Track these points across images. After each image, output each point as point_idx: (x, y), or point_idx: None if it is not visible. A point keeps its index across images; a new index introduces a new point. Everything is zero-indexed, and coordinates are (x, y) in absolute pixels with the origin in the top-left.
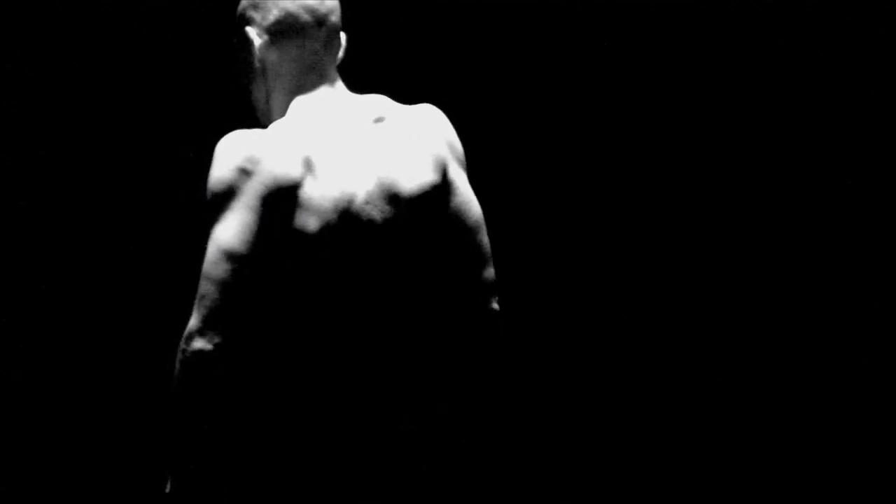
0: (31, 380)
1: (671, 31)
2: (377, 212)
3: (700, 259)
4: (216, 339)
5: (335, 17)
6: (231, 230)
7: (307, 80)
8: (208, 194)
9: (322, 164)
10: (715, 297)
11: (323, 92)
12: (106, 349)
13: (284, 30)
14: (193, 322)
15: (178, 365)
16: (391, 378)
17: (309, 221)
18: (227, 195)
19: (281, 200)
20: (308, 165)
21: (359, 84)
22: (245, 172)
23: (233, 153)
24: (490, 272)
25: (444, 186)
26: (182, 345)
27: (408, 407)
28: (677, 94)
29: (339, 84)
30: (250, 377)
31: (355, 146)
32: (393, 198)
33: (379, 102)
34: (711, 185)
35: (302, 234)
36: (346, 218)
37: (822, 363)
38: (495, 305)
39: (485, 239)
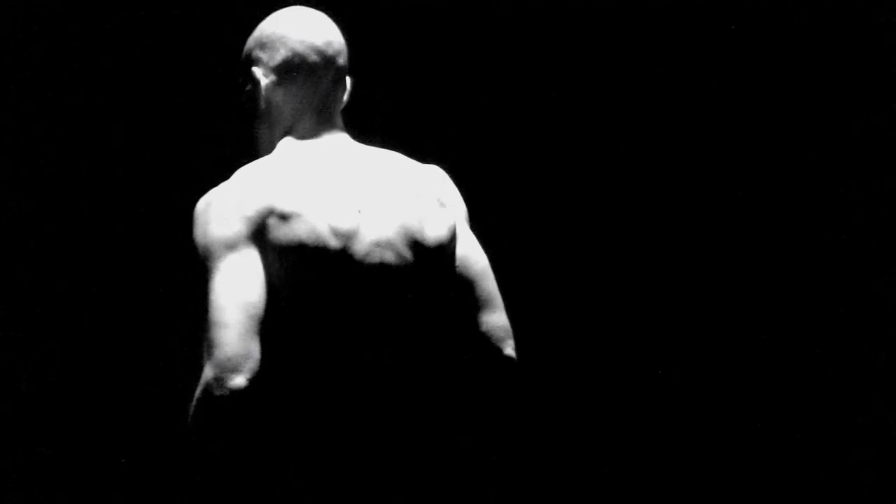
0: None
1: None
2: (391, 255)
3: (703, 284)
4: (234, 385)
5: (342, 60)
6: (229, 277)
7: (309, 121)
8: (197, 256)
9: (311, 195)
10: (721, 319)
11: (323, 133)
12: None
13: (291, 70)
14: (208, 371)
15: (196, 414)
16: (403, 422)
17: (301, 250)
18: (216, 247)
19: (266, 229)
20: (295, 195)
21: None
22: (224, 220)
23: (209, 208)
24: (503, 318)
25: (453, 239)
26: (199, 394)
27: (420, 453)
28: (673, 112)
29: (342, 128)
30: (266, 419)
31: (360, 186)
32: (414, 245)
33: (390, 153)
34: (711, 209)
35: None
36: (349, 255)
37: (822, 363)
38: (510, 351)
39: (494, 286)
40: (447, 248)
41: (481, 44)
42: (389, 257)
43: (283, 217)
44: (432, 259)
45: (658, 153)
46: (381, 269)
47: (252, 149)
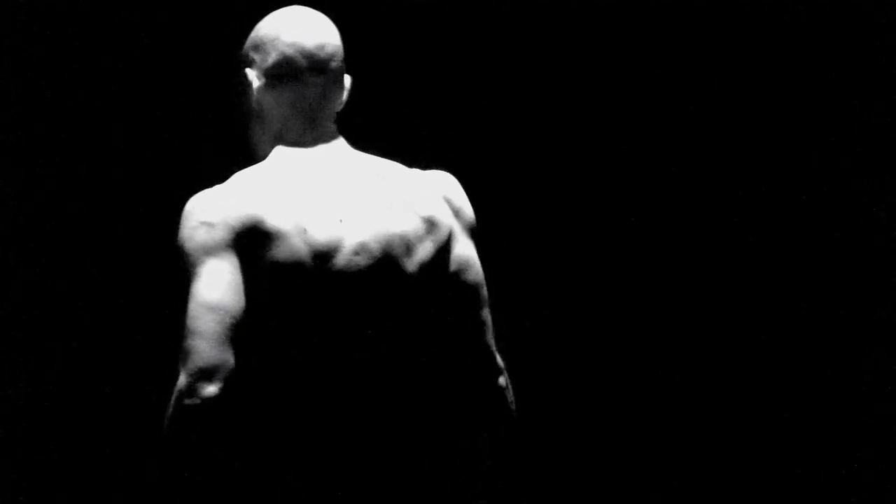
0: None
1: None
2: (368, 263)
3: (704, 284)
4: (206, 394)
5: (336, 63)
6: (207, 284)
7: (298, 126)
8: (180, 256)
9: (296, 204)
10: (722, 319)
11: (311, 138)
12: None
13: (281, 74)
14: (182, 379)
15: (170, 421)
16: (386, 433)
17: (284, 261)
18: (198, 252)
19: (250, 242)
20: (277, 203)
21: (362, 129)
22: (210, 225)
23: (196, 210)
24: (489, 341)
25: (442, 258)
26: (172, 402)
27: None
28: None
29: (334, 132)
30: (243, 427)
31: (344, 194)
32: (393, 264)
33: (384, 163)
34: (711, 210)
35: (278, 276)
36: (329, 264)
37: (822, 364)
38: (500, 378)
39: (484, 310)
40: (431, 267)
41: (481, 44)
42: (367, 265)
43: (266, 235)
44: (413, 278)
45: (658, 153)
46: (360, 278)
47: (248, 149)
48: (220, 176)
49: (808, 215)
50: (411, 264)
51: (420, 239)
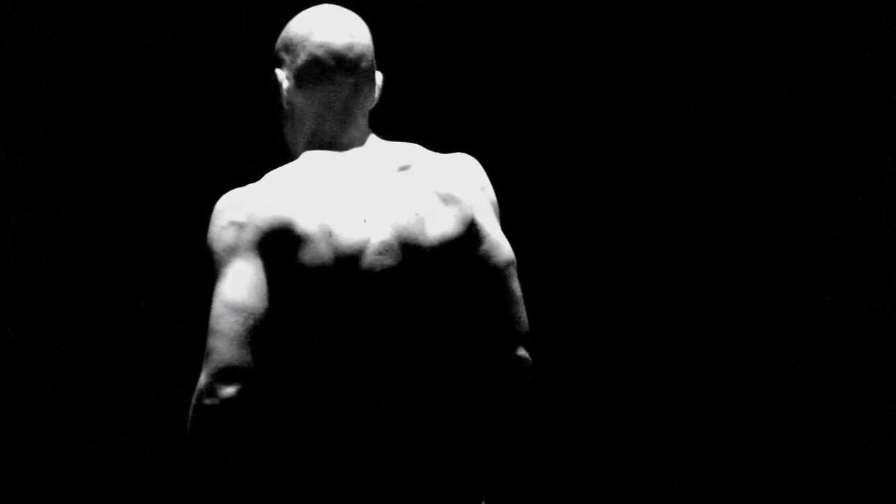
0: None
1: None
2: (392, 261)
3: (706, 285)
4: (225, 395)
5: (366, 63)
6: (231, 284)
7: (330, 126)
8: (208, 254)
9: (322, 206)
10: (723, 319)
11: (345, 139)
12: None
13: (311, 75)
14: (203, 379)
15: (190, 421)
16: (410, 429)
17: (309, 264)
18: (225, 252)
19: (277, 245)
20: (305, 206)
21: (391, 123)
22: (238, 226)
23: (226, 210)
24: (520, 318)
25: (468, 234)
26: (193, 401)
27: (428, 462)
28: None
29: (366, 130)
30: (266, 427)
31: (369, 193)
32: (411, 247)
33: (408, 151)
34: (711, 210)
35: (304, 279)
36: (355, 265)
37: (821, 364)
38: (523, 353)
39: (514, 285)
40: (456, 245)
41: (502, 41)
42: (390, 263)
43: (294, 238)
44: (436, 257)
45: (661, 154)
46: (384, 276)
47: (285, 147)
48: (226, 177)
49: (808, 215)
50: (428, 239)
51: (437, 213)
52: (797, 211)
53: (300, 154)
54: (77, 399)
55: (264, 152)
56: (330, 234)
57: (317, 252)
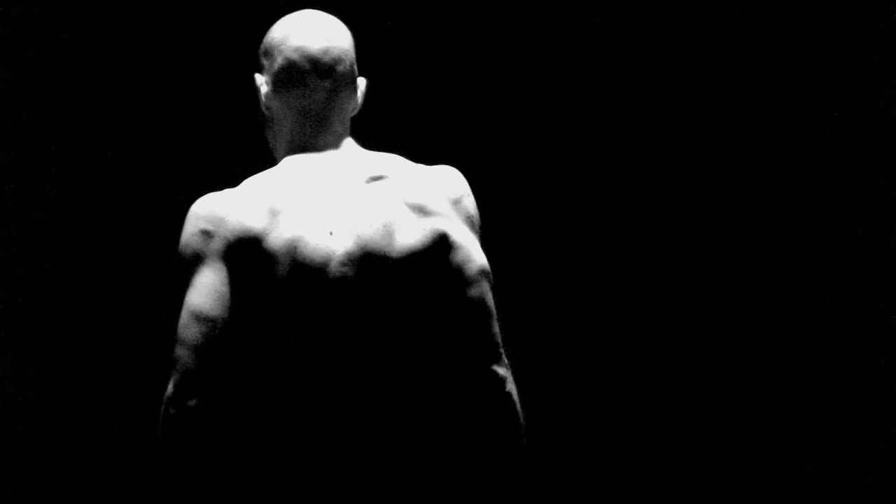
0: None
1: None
2: (356, 272)
3: (705, 285)
4: (191, 403)
5: (343, 67)
6: (199, 293)
7: (306, 132)
8: (177, 260)
9: (290, 218)
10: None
11: (320, 143)
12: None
13: (286, 79)
14: (169, 388)
15: (159, 428)
16: (378, 439)
17: (275, 277)
18: (193, 259)
19: (244, 255)
20: (273, 218)
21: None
22: (207, 234)
23: (196, 217)
24: (491, 331)
25: (438, 247)
26: (161, 409)
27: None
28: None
29: (344, 136)
30: (233, 436)
31: (337, 203)
32: (377, 258)
33: (384, 161)
34: (712, 211)
35: (270, 290)
36: (320, 277)
37: (822, 364)
38: (494, 367)
39: (487, 297)
40: (424, 257)
41: (490, 46)
42: (354, 274)
43: (260, 250)
44: (403, 269)
45: (658, 154)
46: (348, 288)
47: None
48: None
49: (809, 215)
50: (395, 250)
51: (406, 224)
52: (797, 211)
53: (281, 159)
54: (75, 399)
55: (254, 154)
56: (296, 248)
57: (282, 266)
